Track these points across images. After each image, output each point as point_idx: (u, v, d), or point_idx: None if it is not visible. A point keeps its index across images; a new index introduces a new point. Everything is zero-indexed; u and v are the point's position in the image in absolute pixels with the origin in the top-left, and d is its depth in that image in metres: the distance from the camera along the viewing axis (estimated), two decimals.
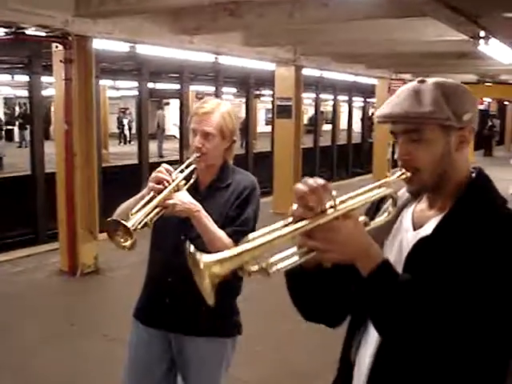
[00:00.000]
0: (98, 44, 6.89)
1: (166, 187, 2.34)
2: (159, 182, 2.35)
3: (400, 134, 1.45)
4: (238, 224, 2.43)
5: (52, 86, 13.57)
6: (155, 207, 2.30)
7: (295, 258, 1.34)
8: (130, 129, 30.27)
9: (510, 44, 7.88)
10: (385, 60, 12.35)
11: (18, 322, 5.34)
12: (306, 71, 11.08)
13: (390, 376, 1.44)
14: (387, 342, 1.41)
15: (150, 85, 14.18)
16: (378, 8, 6.25)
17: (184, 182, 2.44)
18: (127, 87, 23.92)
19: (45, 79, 10.13)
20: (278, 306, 5.60)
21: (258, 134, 25.35)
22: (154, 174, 2.38)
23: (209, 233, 2.37)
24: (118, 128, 29.98)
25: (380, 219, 1.48)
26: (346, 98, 19.83)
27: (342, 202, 1.34)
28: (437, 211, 1.48)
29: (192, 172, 2.49)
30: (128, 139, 29.78)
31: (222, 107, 2.52)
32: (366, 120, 21.57)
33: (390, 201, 1.48)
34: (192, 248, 1.25)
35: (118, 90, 26.50)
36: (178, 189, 2.38)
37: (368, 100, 21.13)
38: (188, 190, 2.44)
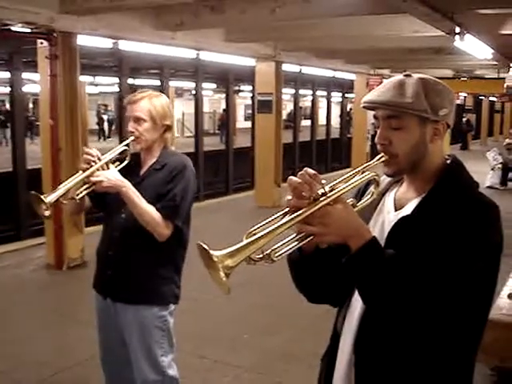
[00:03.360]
0: (82, 40, 6.94)
1: (92, 166, 2.63)
2: (87, 162, 2.64)
3: (382, 119, 1.61)
4: (166, 199, 2.70)
5: (30, 83, 13.61)
6: (83, 184, 2.64)
7: (294, 244, 1.48)
8: (110, 125, 30.12)
9: (484, 39, 8.09)
10: (363, 55, 12.52)
11: (8, 315, 5.40)
12: (285, 66, 11.19)
13: (373, 345, 1.58)
14: (370, 312, 1.56)
15: (130, 80, 14.17)
16: (358, 5, 6.42)
17: (118, 162, 2.76)
18: (106, 83, 23.84)
19: (24, 76, 10.13)
20: (266, 296, 5.75)
21: (237, 129, 25.41)
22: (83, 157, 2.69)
23: (137, 207, 2.66)
24: (98, 124, 29.83)
25: (365, 200, 1.63)
26: (325, 93, 19.95)
27: (332, 188, 1.49)
28: (416, 194, 1.63)
29: (124, 154, 2.78)
30: (107, 135, 29.65)
31: (152, 96, 2.78)
32: (345, 115, 21.76)
33: (373, 184, 1.63)
34: (205, 245, 1.35)
35: (96, 86, 26.37)
36: (107, 168, 2.67)
37: (346, 95, 21.24)
38: (130, 172, 2.75)
